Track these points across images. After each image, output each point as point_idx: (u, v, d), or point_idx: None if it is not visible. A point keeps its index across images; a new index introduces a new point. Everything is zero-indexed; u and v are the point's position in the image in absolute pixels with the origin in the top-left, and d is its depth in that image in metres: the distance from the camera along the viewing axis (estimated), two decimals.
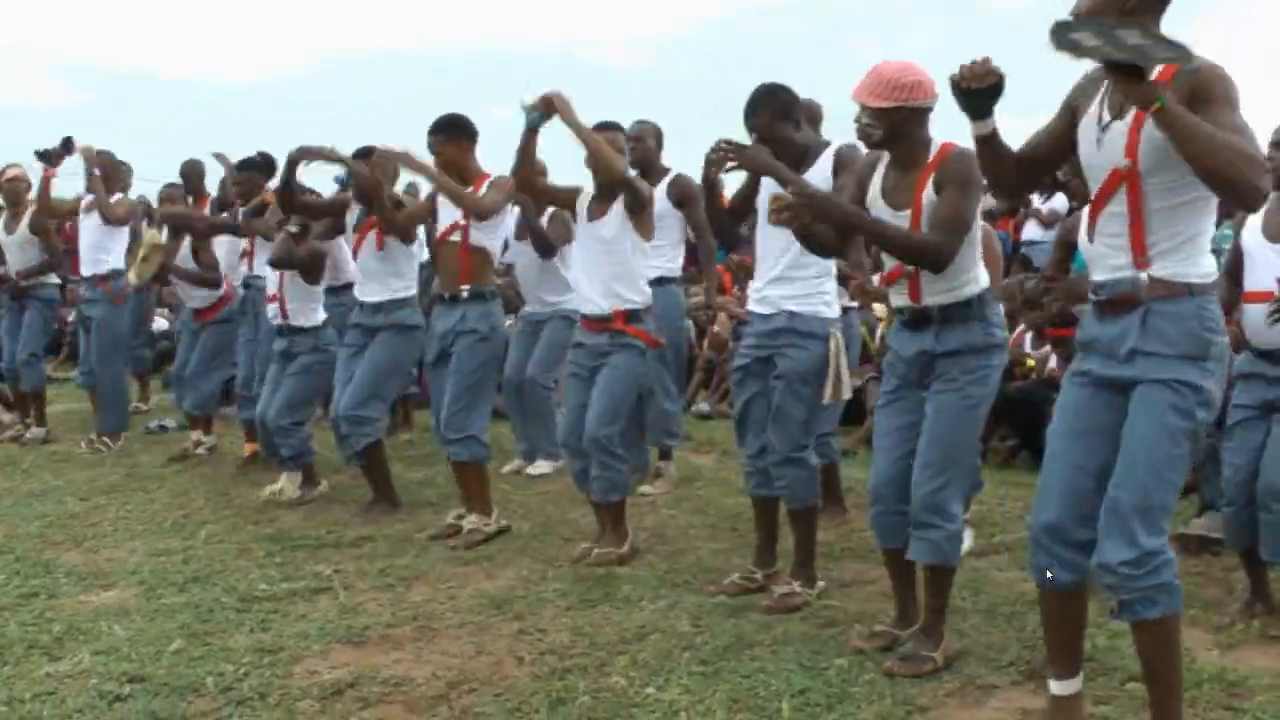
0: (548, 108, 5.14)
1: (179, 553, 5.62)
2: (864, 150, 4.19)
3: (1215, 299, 3.07)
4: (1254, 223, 4.47)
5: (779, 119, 4.51)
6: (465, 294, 5.82)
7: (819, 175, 4.51)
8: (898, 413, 4.01)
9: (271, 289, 6.77)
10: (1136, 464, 3.00)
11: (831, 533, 5.58)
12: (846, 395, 4.66)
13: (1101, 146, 3.06)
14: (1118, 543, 2.98)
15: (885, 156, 3.98)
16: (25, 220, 8.87)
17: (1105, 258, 3.10)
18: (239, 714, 3.70)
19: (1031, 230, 10.79)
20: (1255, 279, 4.39)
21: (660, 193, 6.31)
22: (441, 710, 3.69)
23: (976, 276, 3.92)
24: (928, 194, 3.83)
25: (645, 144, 6.66)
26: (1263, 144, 3.48)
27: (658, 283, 5.82)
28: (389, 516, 6.19)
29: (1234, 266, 4.52)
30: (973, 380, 3.88)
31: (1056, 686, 3.32)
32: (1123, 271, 3.06)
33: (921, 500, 3.86)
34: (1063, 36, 2.82)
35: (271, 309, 6.81)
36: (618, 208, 5.20)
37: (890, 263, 4.02)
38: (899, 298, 4.00)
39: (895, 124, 3.83)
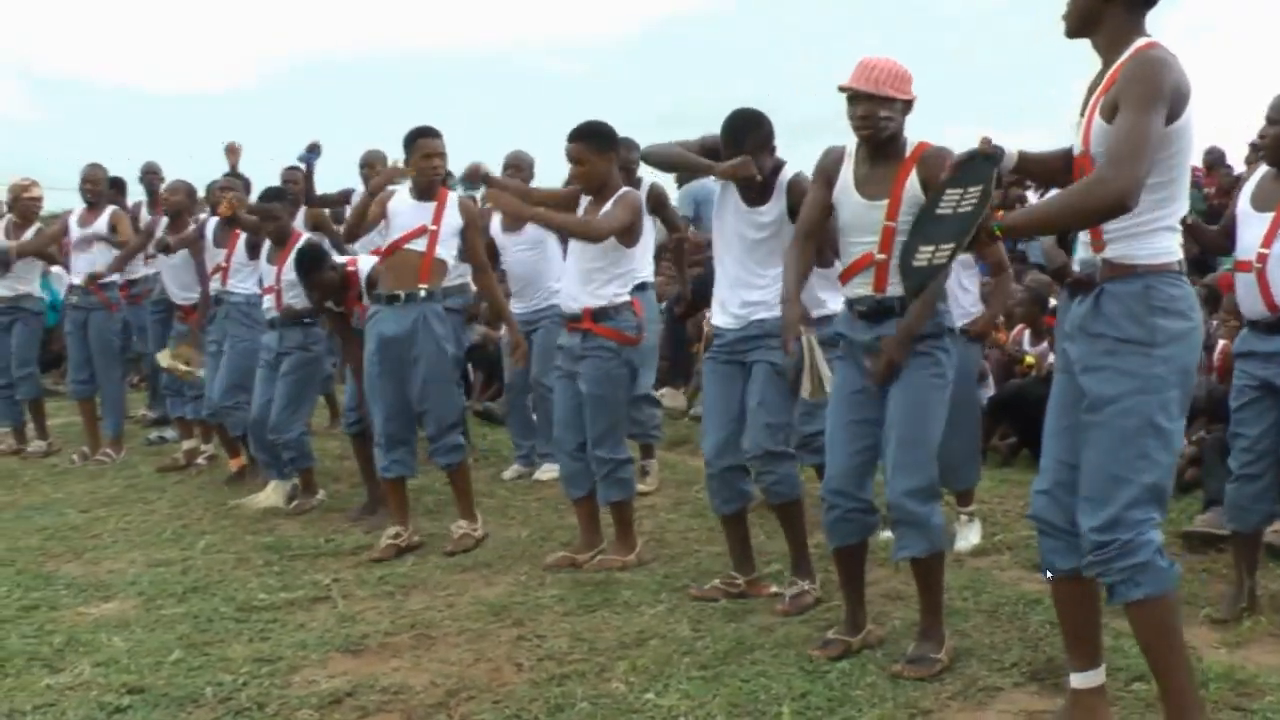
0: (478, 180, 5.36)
1: (178, 563, 5.62)
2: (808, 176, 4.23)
3: (1174, 279, 3.02)
4: (1247, 189, 4.40)
5: (759, 150, 4.49)
6: (423, 293, 5.68)
7: (775, 210, 4.52)
8: (855, 407, 3.97)
9: (269, 281, 6.73)
10: (1100, 450, 3.02)
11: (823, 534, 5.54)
12: (828, 390, 4.59)
13: (1077, 140, 3.11)
14: (1087, 511, 3.01)
15: (852, 148, 3.96)
16: (30, 233, 8.86)
17: (1079, 242, 3.16)
18: None
19: None
20: (1243, 247, 4.32)
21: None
22: (440, 718, 3.68)
23: None
24: (911, 188, 3.82)
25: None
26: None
27: (639, 288, 5.80)
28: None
29: (1229, 228, 4.49)
30: (936, 358, 3.87)
31: (1076, 679, 3.32)
32: (1085, 254, 3.11)
33: (901, 493, 3.82)
34: (911, 279, 3.25)
35: (267, 301, 6.75)
36: (608, 208, 5.18)
37: (853, 255, 3.96)
38: (861, 289, 3.95)
39: (904, 117, 3.86)
